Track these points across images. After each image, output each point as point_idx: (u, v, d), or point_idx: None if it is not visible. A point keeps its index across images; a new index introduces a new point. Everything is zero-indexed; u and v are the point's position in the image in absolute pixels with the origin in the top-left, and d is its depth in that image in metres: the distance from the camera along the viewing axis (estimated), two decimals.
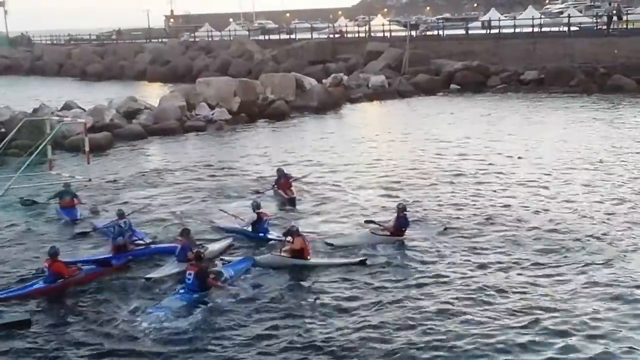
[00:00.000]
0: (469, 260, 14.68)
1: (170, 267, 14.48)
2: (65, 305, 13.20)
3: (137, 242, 15.84)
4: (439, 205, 19.21)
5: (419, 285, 13.45)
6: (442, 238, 16.08)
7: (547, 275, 13.87)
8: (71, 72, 75.73)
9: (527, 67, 48.37)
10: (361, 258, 14.58)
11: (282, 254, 14.65)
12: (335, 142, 30.22)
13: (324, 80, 45.75)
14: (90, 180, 23.12)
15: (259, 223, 16.37)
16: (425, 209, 18.69)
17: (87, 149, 19.17)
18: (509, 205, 18.93)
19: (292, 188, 20.11)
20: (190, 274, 12.89)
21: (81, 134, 25.82)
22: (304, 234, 15.06)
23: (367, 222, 16.25)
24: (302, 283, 13.89)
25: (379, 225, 15.94)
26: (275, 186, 20.36)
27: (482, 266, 14.36)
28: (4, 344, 11.44)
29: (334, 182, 22.37)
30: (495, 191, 20.65)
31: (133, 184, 22.98)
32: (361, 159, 26.13)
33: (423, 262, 14.68)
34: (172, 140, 31.87)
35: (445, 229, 16.47)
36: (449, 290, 13.18)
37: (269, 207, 18.50)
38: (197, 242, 15.21)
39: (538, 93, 44.23)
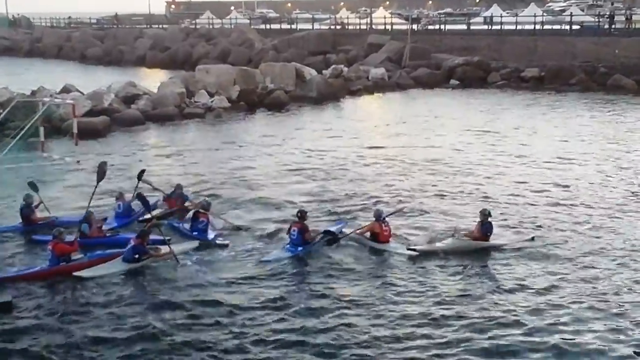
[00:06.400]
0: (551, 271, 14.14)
1: (109, 266, 14.08)
2: (50, 289, 13.16)
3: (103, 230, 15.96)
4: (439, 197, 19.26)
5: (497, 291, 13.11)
6: (527, 247, 15.45)
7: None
8: (70, 55, 75.43)
9: (528, 64, 48.33)
10: (411, 252, 14.83)
11: (363, 234, 15.59)
12: (334, 133, 30.17)
13: (324, 71, 45.66)
14: (78, 162, 23.13)
15: (195, 221, 16.12)
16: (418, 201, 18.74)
17: (75, 130, 19.24)
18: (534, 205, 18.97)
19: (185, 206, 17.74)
20: (294, 230, 14.99)
21: (73, 116, 25.80)
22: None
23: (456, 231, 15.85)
24: (381, 263, 14.55)
25: (464, 231, 15.62)
26: (164, 201, 17.97)
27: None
28: None
29: (326, 174, 22.39)
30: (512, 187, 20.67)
31: (127, 169, 22.91)
32: (358, 150, 26.10)
33: (506, 266, 14.35)
34: (170, 127, 31.79)
35: (533, 238, 15.84)
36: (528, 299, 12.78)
37: None
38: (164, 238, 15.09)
39: (538, 90, 44.21)
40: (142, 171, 18.72)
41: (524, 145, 27.04)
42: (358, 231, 15.72)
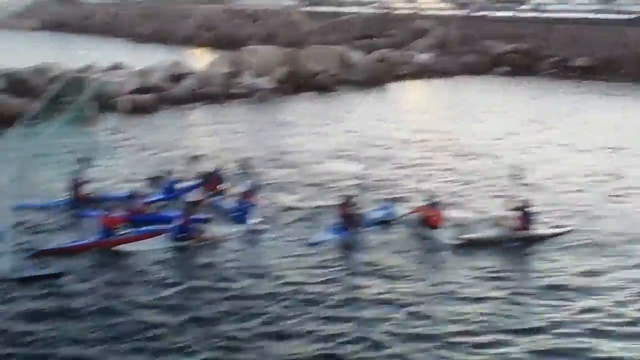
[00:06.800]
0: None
1: (153, 243, 14.35)
2: (97, 261, 13.52)
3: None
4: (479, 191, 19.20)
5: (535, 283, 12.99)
6: (563, 239, 15.29)
7: None
8: (120, 32, 76.26)
9: (577, 53, 47.47)
10: (455, 241, 14.77)
11: (413, 218, 15.73)
12: (377, 117, 30.12)
13: (369, 56, 45.48)
14: (126, 139, 23.56)
15: (238, 203, 16.20)
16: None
17: (124, 108, 19.57)
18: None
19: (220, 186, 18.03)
20: (339, 215, 15.19)
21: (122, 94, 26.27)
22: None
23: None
24: (426, 249, 14.63)
25: (506, 219, 15.35)
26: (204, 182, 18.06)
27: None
28: (34, 295, 11.78)
29: (370, 157, 22.48)
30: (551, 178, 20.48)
31: (172, 147, 23.29)
32: (402, 135, 26.07)
33: (547, 263, 14.04)
34: (215, 106, 32.12)
35: (571, 229, 15.76)
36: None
37: None
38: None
39: (587, 80, 43.44)
40: (197, 156, 19.08)
41: (572, 135, 26.67)
42: (408, 214, 15.82)
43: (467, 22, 55.82)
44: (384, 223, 15.77)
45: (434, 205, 15.44)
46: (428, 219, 15.31)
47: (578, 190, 19.08)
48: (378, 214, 16.16)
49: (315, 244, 14.57)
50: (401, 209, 16.54)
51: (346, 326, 11.02)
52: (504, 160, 22.41)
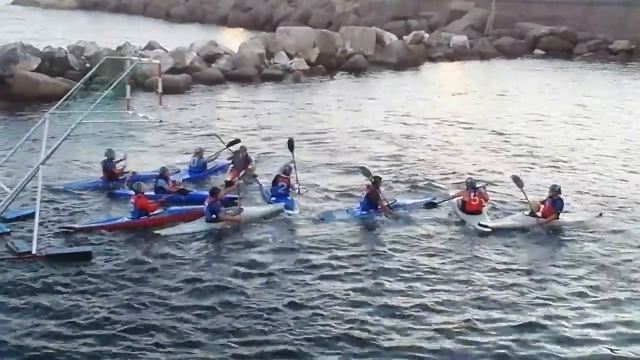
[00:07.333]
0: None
1: (190, 226, 14.26)
2: (129, 241, 13.49)
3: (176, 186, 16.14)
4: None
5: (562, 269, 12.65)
6: (597, 224, 14.91)
7: None
8: (155, 12, 76.78)
9: (617, 36, 46.56)
10: (483, 228, 14.35)
11: (455, 201, 15.47)
12: (412, 99, 29.97)
13: (404, 37, 45.17)
14: (161, 121, 23.63)
15: (274, 185, 15.96)
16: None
17: (160, 90, 19.53)
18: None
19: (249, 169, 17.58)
20: (364, 194, 14.94)
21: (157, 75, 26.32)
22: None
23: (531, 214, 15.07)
24: (461, 233, 14.34)
25: (531, 206, 15.01)
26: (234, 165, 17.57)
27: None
28: (62, 273, 11.85)
29: (404, 139, 22.33)
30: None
31: (205, 126, 23.40)
32: (436, 117, 25.83)
33: (574, 249, 13.69)
34: (248, 87, 32.16)
35: (601, 214, 15.34)
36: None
37: None
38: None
39: (627, 64, 42.60)
40: (235, 141, 18.98)
41: (610, 119, 26.27)
42: (450, 198, 15.60)
43: (505, 3, 55.03)
44: (434, 204, 15.47)
45: (474, 189, 15.08)
46: (466, 203, 15.02)
47: (614, 176, 18.73)
48: (413, 198, 16.02)
49: (324, 220, 14.49)
50: (438, 193, 16.38)
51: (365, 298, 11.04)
52: (539, 143, 22.16)
